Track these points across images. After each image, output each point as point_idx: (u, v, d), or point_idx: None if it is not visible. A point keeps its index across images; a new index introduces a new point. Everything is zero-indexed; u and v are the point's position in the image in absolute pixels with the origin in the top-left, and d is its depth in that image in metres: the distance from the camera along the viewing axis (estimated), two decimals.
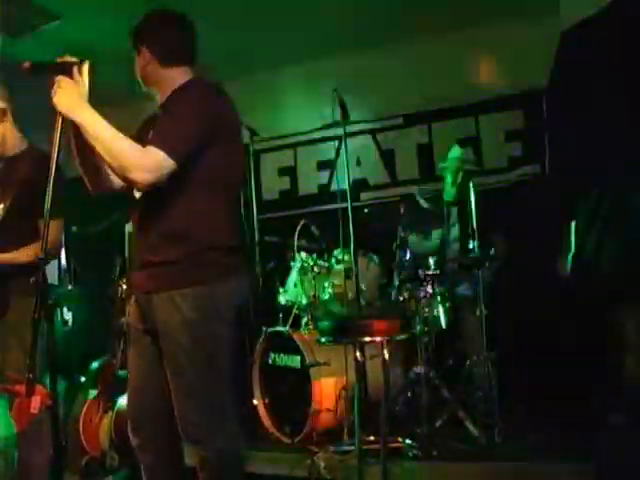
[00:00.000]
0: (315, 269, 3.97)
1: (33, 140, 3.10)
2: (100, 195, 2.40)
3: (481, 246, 3.76)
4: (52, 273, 4.38)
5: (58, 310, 4.52)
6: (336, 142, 5.38)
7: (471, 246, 3.79)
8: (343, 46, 5.18)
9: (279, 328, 4.05)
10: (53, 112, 2.12)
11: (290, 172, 5.89)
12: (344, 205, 3.37)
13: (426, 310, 3.77)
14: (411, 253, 3.96)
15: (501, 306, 3.96)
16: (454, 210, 4.41)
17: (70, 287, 4.86)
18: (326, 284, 3.94)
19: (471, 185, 3.82)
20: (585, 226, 2.00)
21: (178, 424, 2.22)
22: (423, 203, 4.44)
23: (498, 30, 4.93)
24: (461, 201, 4.21)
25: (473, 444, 3.47)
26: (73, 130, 2.20)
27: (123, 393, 3.61)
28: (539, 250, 4.38)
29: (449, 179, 4.39)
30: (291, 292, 4.07)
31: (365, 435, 3.25)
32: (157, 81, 2.36)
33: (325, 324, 3.56)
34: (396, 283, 3.96)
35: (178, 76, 2.33)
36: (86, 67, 2.18)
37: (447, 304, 3.86)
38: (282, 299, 4.11)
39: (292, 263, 4.14)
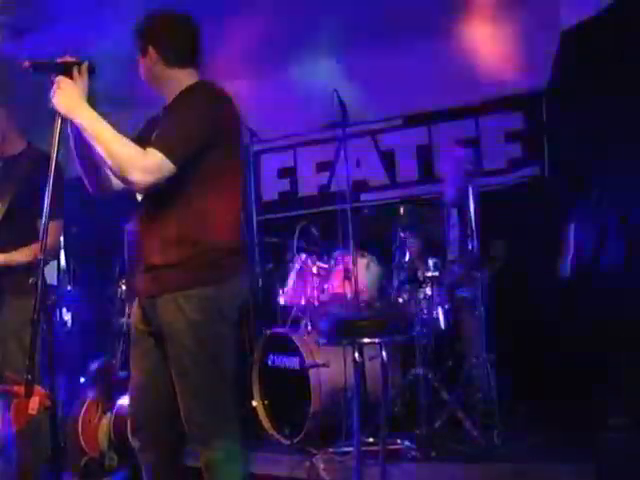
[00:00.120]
0: (315, 270, 3.96)
1: (33, 140, 3.10)
2: (100, 195, 2.40)
3: (481, 247, 3.75)
4: (51, 273, 4.37)
5: (57, 311, 4.51)
6: (336, 143, 5.38)
7: (471, 247, 3.78)
8: (343, 46, 5.18)
9: (278, 329, 4.04)
10: (53, 112, 2.12)
11: (290, 173, 5.89)
12: (344, 206, 3.37)
13: (425, 311, 3.76)
14: (410, 254, 3.95)
15: (501, 307, 3.95)
16: (454, 211, 4.41)
17: (69, 287, 4.85)
18: (325, 285, 3.93)
19: (470, 186, 3.82)
20: (585, 226, 2.01)
21: (185, 425, 2.22)
22: None
23: (498, 30, 4.92)
24: (461, 202, 4.21)
25: (472, 445, 3.46)
26: (73, 130, 2.20)
27: (122, 394, 3.62)
28: (539, 251, 4.41)
29: (449, 180, 4.39)
30: (291, 293, 4.07)
31: (364, 436, 3.25)
32: (163, 82, 2.34)
33: (324, 325, 3.55)
34: (395, 284, 3.96)
35: (184, 78, 2.32)
36: (86, 67, 2.18)
37: (446, 305, 3.85)
38: (282, 300, 4.11)
39: (292, 264, 4.14)
